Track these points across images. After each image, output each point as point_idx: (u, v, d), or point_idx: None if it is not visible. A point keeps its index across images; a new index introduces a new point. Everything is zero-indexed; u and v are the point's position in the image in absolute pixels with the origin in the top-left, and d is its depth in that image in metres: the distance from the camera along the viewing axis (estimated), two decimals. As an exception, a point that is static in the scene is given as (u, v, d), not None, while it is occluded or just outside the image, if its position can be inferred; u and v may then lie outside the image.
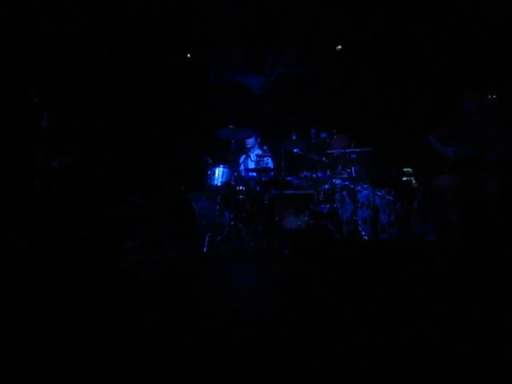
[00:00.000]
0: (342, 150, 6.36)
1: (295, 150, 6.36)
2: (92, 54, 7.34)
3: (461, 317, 2.84)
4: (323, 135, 6.42)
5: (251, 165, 6.94)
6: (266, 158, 6.64)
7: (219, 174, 6.51)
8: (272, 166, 6.70)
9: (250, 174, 6.71)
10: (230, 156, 6.48)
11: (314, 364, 2.16)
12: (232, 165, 6.46)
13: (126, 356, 2.31)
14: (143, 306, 3.32)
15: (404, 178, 6.27)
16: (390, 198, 6.17)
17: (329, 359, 2.21)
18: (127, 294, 3.66)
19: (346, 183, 6.32)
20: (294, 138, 6.30)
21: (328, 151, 6.41)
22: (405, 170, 6.44)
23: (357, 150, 6.18)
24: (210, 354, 2.32)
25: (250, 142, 7.06)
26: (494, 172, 5.05)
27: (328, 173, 6.34)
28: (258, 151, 7.05)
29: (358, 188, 6.17)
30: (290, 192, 6.34)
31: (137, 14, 7.46)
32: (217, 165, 6.56)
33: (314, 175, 6.29)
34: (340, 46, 7.77)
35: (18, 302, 3.20)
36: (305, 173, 6.53)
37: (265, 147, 7.06)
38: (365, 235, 5.84)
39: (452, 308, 3.05)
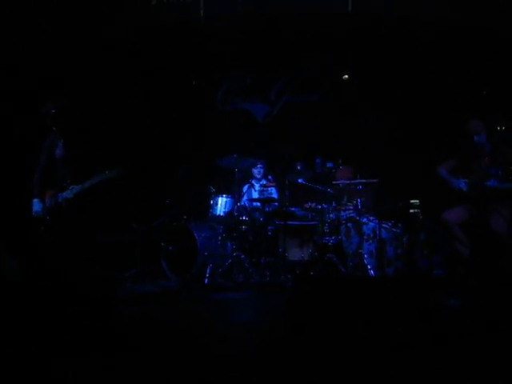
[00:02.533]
0: (348, 181, 6.24)
1: (300, 180, 6.25)
2: (93, 78, 7.31)
3: (474, 355, 2.71)
4: (329, 165, 6.30)
5: (255, 195, 6.83)
6: (270, 188, 6.54)
7: (222, 203, 6.38)
8: (276, 197, 6.59)
9: (254, 204, 6.58)
10: (233, 185, 6.36)
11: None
12: (235, 194, 6.33)
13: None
14: (139, 340, 3.22)
15: (411, 211, 6.15)
16: (397, 230, 6.04)
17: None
18: (122, 328, 3.53)
19: (352, 215, 6.20)
20: (298, 167, 6.19)
21: (333, 182, 6.29)
22: (412, 201, 6.32)
23: (363, 181, 6.05)
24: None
25: (260, 172, 6.90)
26: (508, 203, 4.95)
27: (333, 204, 6.21)
28: (262, 181, 6.94)
29: (364, 220, 6.05)
30: (294, 223, 6.21)
31: (143, 41, 7.46)
32: (220, 194, 6.43)
33: (319, 206, 6.16)
34: (347, 76, 7.71)
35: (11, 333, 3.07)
36: (309, 204, 6.42)
37: (269, 177, 6.95)
38: (370, 269, 5.71)
39: (465, 347, 2.91)
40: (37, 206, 4.88)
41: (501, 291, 4.24)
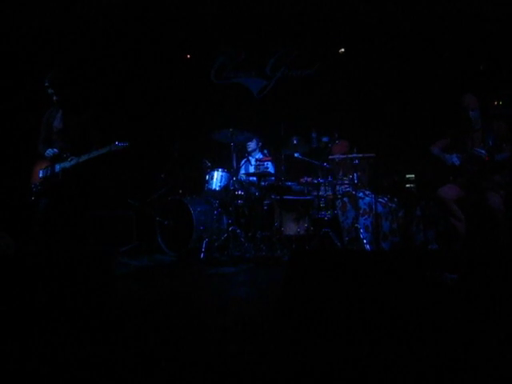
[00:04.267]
0: (344, 156, 6.21)
1: (296, 155, 6.22)
2: (89, 54, 7.23)
3: (469, 331, 2.71)
4: (325, 139, 6.26)
5: (251, 169, 6.81)
6: (266, 163, 6.50)
7: (218, 178, 6.34)
8: (272, 171, 6.56)
9: (250, 178, 6.56)
10: (229, 160, 6.32)
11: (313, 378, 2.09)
12: (231, 169, 6.30)
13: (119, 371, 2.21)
14: (137, 315, 3.22)
15: (407, 185, 6.14)
16: (393, 205, 6.03)
17: (328, 373, 2.14)
18: (120, 303, 3.53)
19: (348, 189, 6.18)
20: (294, 141, 6.14)
21: (330, 157, 6.26)
22: (408, 176, 6.32)
23: (359, 155, 6.02)
24: (206, 367, 2.23)
25: (252, 145, 6.92)
26: (503, 175, 4.96)
27: (329, 178, 6.19)
28: (258, 155, 6.91)
29: (360, 194, 6.03)
30: (290, 197, 6.19)
31: (138, 15, 7.37)
32: (215, 168, 6.39)
33: (315, 181, 6.14)
34: (343, 50, 7.64)
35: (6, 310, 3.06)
36: (305, 178, 6.40)
37: (265, 151, 6.92)
38: (366, 243, 5.71)
39: (459, 322, 2.92)
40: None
41: (496, 266, 4.26)
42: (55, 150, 4.75)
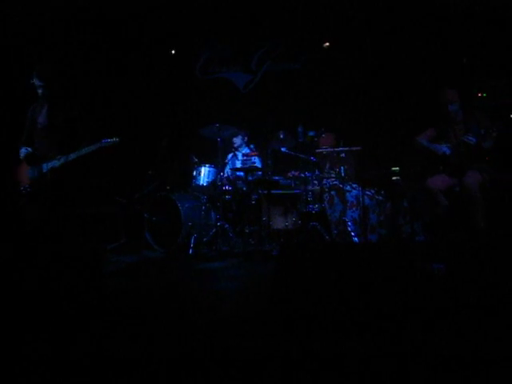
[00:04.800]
0: (331, 149, 6.23)
1: (283, 149, 6.24)
2: (74, 49, 7.18)
3: (456, 320, 2.75)
4: (311, 133, 6.28)
5: (238, 164, 6.81)
6: (253, 157, 6.51)
7: (205, 173, 6.35)
8: (259, 165, 6.57)
9: (237, 173, 6.57)
10: (216, 155, 6.32)
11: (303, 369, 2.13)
12: (218, 164, 6.30)
13: (109, 366, 2.23)
14: (127, 312, 3.23)
15: (393, 178, 6.18)
16: (380, 197, 6.07)
17: (318, 366, 2.18)
18: (109, 300, 3.53)
19: (335, 183, 6.20)
20: (281, 136, 6.15)
21: (316, 150, 6.28)
22: (393, 169, 6.36)
23: (346, 148, 6.05)
24: (195, 363, 2.25)
25: (237, 141, 6.92)
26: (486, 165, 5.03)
27: (316, 172, 6.21)
28: (245, 150, 6.92)
29: (347, 188, 6.06)
30: (277, 192, 6.21)
31: (123, 10, 7.33)
32: (202, 164, 6.40)
33: (302, 175, 6.16)
34: (328, 43, 7.66)
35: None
36: (292, 172, 6.42)
37: (252, 146, 6.93)
38: (354, 236, 5.74)
39: (447, 311, 2.95)
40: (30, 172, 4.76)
41: (473, 251, 4.30)
42: (28, 149, 4.68)
